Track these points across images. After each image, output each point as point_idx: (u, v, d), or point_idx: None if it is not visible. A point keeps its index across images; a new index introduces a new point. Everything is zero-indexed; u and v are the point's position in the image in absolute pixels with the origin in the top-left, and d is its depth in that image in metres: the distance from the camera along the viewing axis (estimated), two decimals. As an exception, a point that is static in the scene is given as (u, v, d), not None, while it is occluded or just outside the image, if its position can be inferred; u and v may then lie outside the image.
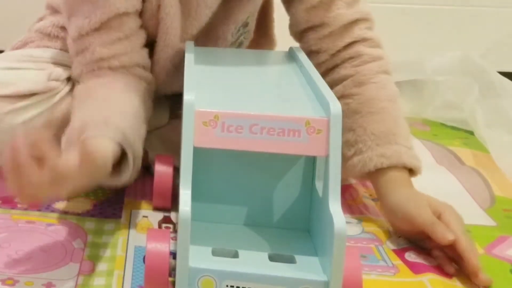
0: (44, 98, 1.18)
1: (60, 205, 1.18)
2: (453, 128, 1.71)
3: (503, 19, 1.87)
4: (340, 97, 1.13)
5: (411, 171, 1.15)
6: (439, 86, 1.74)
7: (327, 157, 0.92)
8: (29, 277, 0.97)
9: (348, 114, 1.14)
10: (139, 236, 1.09)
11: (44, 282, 0.96)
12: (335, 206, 0.90)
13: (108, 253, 1.04)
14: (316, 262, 0.95)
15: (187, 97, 0.92)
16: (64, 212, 1.16)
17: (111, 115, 1.04)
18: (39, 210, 1.16)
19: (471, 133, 1.63)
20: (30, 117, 1.17)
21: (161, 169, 1.17)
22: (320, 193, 0.98)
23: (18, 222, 1.12)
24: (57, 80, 1.19)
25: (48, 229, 1.10)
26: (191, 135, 0.91)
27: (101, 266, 1.01)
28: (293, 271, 0.92)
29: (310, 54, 1.21)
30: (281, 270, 0.92)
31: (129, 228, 1.12)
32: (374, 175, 1.15)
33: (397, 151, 1.13)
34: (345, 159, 1.14)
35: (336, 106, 0.92)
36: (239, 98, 0.99)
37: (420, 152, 1.52)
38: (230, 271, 0.90)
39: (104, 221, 1.14)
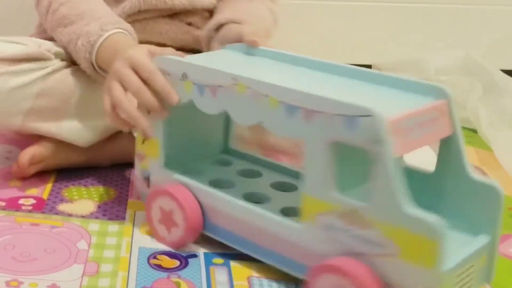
0: (37, 67, 1.21)
1: (64, 207, 1.19)
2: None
3: (504, 18, 1.87)
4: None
5: None
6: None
7: (454, 133, 0.95)
8: (33, 279, 0.97)
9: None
10: (143, 237, 1.09)
11: (48, 283, 0.96)
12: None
13: (112, 254, 1.04)
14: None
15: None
16: (68, 214, 1.16)
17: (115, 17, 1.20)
18: (43, 212, 1.16)
19: (475, 131, 1.63)
20: (23, 82, 1.19)
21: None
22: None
23: (22, 224, 1.12)
24: (48, 51, 1.22)
25: (52, 231, 1.10)
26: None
27: (105, 267, 1.01)
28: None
29: None
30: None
31: (133, 229, 1.12)
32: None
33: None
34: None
35: (447, 88, 0.94)
36: (371, 101, 0.91)
37: (424, 150, 1.52)
38: None
39: (108, 222, 1.14)
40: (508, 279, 1.03)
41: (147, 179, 1.11)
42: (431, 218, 0.82)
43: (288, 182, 1.12)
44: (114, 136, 1.30)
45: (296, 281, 0.99)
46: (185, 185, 1.06)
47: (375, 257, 0.87)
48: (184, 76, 1.02)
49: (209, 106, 1.01)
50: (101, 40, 1.15)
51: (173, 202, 1.05)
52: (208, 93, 1.00)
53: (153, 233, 1.09)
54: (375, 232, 0.86)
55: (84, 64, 1.19)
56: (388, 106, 0.89)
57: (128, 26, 1.19)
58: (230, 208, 1.02)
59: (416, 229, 0.83)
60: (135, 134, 1.15)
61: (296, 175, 1.12)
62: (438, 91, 0.94)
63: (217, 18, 1.26)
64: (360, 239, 0.88)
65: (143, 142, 1.10)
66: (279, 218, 0.98)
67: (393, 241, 0.85)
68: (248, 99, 0.96)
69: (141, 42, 1.20)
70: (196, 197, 1.05)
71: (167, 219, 1.06)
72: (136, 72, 1.04)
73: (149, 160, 1.10)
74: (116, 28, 1.16)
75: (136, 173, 1.13)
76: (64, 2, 1.23)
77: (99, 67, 1.18)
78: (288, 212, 1.01)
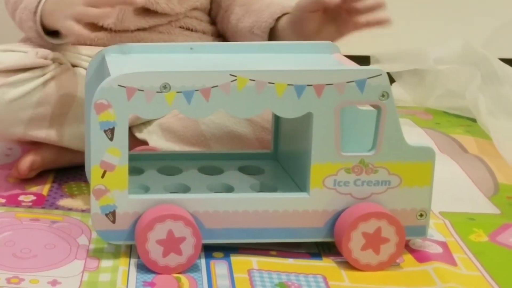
0: (35, 75, 1.20)
1: (64, 202, 1.19)
2: (455, 116, 1.70)
3: (503, 7, 1.86)
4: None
5: None
6: (441, 75, 1.74)
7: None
8: (34, 275, 0.97)
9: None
10: (143, 232, 1.09)
11: (49, 279, 0.96)
12: None
13: (112, 249, 1.04)
14: None
15: None
16: (68, 209, 1.16)
17: None
18: (43, 208, 1.16)
19: (474, 120, 1.62)
20: (22, 92, 1.19)
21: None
22: None
23: (23, 220, 1.12)
24: (45, 58, 1.21)
25: (52, 226, 1.11)
26: None
27: (106, 262, 1.01)
28: None
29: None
30: None
31: (133, 223, 1.12)
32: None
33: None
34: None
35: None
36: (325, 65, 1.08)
37: (423, 140, 1.52)
38: None
39: (108, 217, 1.14)
40: (508, 269, 1.03)
41: (111, 214, 1.00)
42: (427, 145, 1.03)
43: (212, 166, 1.15)
44: None
45: (297, 272, 0.99)
46: (173, 203, 1.00)
47: (380, 194, 1.02)
48: (165, 87, 0.96)
49: (199, 111, 0.98)
50: (40, 5, 1.17)
51: (177, 222, 0.98)
52: (199, 97, 0.97)
53: (149, 265, 0.99)
54: (383, 172, 1.01)
55: (32, 35, 1.21)
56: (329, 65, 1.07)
57: None
58: (233, 205, 1.01)
59: (417, 157, 1.01)
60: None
61: (219, 157, 1.18)
62: (329, 46, 1.13)
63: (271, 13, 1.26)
64: (368, 183, 1.01)
65: (102, 176, 0.99)
66: (286, 195, 1.03)
67: (397, 175, 1.01)
68: (249, 91, 0.97)
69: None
70: (187, 211, 1.00)
71: (172, 245, 0.98)
72: None
73: (114, 194, 0.99)
74: None
75: (93, 211, 1.00)
76: None
77: (47, 33, 1.20)
78: (255, 188, 1.09)
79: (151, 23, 1.30)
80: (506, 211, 1.21)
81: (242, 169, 1.15)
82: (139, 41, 1.28)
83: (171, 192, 1.07)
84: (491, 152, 1.44)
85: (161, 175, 1.13)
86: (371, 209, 1.00)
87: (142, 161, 1.16)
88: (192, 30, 1.34)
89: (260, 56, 1.11)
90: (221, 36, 1.38)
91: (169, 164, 1.15)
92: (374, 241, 1.00)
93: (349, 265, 1.01)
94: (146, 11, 1.30)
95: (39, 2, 1.18)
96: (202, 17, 1.36)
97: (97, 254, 1.03)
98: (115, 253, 1.03)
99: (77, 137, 1.23)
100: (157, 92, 0.96)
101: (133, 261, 1.01)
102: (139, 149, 1.24)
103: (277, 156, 1.19)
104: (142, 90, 0.96)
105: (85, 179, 1.26)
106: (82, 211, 1.15)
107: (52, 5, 1.17)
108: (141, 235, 0.98)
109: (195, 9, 1.34)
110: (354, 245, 1.00)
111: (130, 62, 1.06)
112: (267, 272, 1.00)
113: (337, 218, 1.02)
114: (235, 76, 0.97)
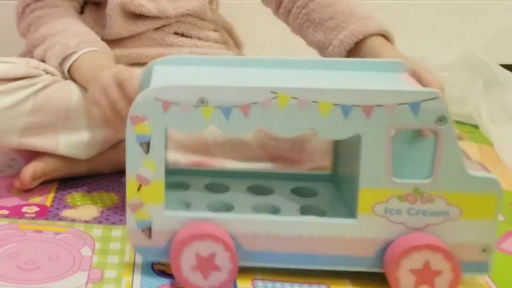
0: (27, 84, 1.21)
1: (67, 213, 1.19)
2: (458, 122, 1.70)
3: (503, 12, 1.86)
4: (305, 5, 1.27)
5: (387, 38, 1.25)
6: (443, 81, 1.74)
7: None
8: (38, 287, 0.97)
9: (319, 9, 1.26)
10: (146, 242, 1.09)
11: (53, 291, 0.97)
12: None
13: (116, 260, 1.04)
14: None
15: None
16: (71, 220, 1.16)
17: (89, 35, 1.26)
18: (46, 219, 1.16)
19: (476, 127, 1.62)
20: (15, 100, 1.20)
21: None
22: None
23: (26, 232, 1.12)
24: (36, 68, 1.23)
25: (56, 238, 1.10)
26: None
27: (110, 273, 1.01)
28: None
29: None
30: None
31: (136, 234, 1.12)
32: (360, 45, 1.22)
33: (376, 22, 1.24)
34: (329, 42, 1.23)
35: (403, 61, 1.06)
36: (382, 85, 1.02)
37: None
38: None
39: (111, 227, 1.14)
40: (511, 277, 1.03)
41: (147, 230, 0.99)
42: (491, 175, 0.96)
43: (263, 185, 1.11)
44: (115, 144, 1.29)
45: (301, 281, 0.99)
46: (212, 221, 0.98)
47: (437, 225, 0.96)
48: (202, 102, 0.94)
49: (238, 128, 0.95)
50: (75, 56, 1.21)
51: (217, 244, 0.96)
52: (238, 113, 0.94)
53: (183, 284, 0.97)
54: (440, 202, 0.95)
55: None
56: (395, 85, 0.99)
57: (104, 45, 1.25)
58: (274, 228, 0.98)
59: (479, 188, 0.95)
60: None
61: (272, 176, 1.14)
62: (397, 64, 1.06)
63: (346, 33, 1.21)
64: (424, 213, 0.96)
65: (138, 189, 0.97)
66: (331, 220, 0.98)
67: (457, 206, 0.95)
68: (291, 110, 0.94)
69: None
70: (226, 230, 0.98)
71: (206, 265, 0.96)
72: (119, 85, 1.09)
73: (149, 208, 0.97)
74: (92, 46, 1.23)
75: (130, 226, 0.99)
76: (43, 23, 1.28)
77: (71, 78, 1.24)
78: (304, 211, 1.04)
79: (142, 27, 1.31)
80: (510, 218, 1.21)
81: (295, 191, 1.10)
82: (130, 54, 1.31)
83: (213, 211, 1.03)
84: (494, 159, 1.44)
85: (207, 192, 1.09)
86: (424, 240, 0.95)
87: (190, 176, 1.13)
88: (187, 36, 1.35)
89: (316, 73, 1.05)
90: (225, 42, 1.38)
91: (218, 182, 1.11)
92: (426, 275, 0.95)
93: (353, 274, 1.01)
94: (135, 16, 1.30)
95: (66, 57, 1.22)
96: (196, 22, 1.36)
97: (101, 265, 1.03)
98: (119, 264, 1.03)
99: (73, 146, 1.24)
100: (194, 106, 0.94)
101: (137, 271, 1.01)
102: None
103: (335, 178, 1.13)
104: (178, 104, 0.94)
105: (87, 190, 1.26)
106: (86, 222, 1.15)
107: (82, 73, 1.21)
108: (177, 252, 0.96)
109: (188, 15, 1.34)
110: (403, 276, 0.95)
111: (173, 75, 1.03)
112: (271, 282, 1.00)
113: (384, 245, 0.97)
114: (276, 93, 0.94)
